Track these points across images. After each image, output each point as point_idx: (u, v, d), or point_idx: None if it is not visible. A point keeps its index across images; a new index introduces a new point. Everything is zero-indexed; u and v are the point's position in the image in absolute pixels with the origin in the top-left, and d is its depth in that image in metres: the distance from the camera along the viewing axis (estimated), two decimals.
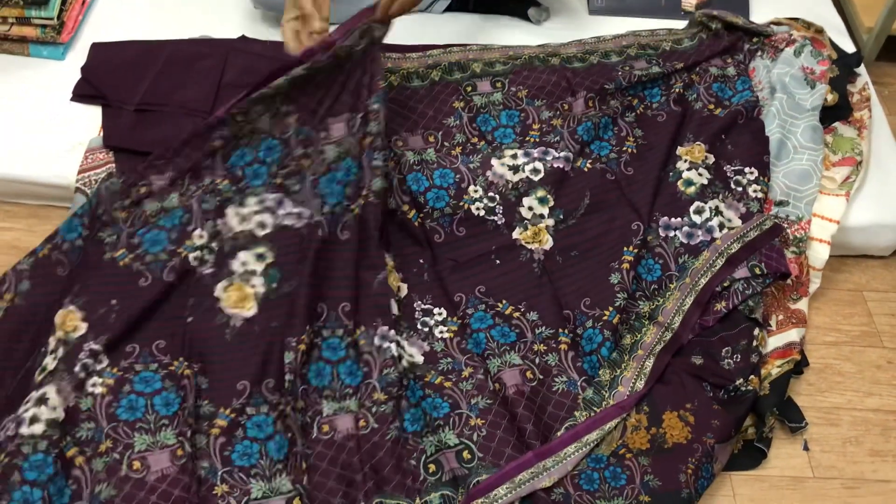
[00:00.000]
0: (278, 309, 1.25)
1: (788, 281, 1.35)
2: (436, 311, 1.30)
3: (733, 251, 1.33)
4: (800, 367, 1.31)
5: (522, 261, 1.35)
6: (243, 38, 1.61)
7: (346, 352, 1.22)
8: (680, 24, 1.71)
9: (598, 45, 1.62)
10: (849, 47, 1.69)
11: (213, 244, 1.29)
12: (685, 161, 1.45)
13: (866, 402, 1.30)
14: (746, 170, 1.43)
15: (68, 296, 1.22)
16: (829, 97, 1.52)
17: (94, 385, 1.16)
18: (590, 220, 1.40)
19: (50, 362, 1.16)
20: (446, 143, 1.46)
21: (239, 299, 1.26)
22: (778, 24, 1.67)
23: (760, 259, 1.32)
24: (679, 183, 1.42)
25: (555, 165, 1.43)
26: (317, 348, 1.22)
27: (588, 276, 1.34)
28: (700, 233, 1.37)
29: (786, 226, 1.39)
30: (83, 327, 1.20)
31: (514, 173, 1.42)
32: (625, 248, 1.35)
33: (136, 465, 1.12)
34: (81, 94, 1.51)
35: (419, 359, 1.24)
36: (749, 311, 1.29)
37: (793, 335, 1.30)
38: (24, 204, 1.47)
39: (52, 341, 1.18)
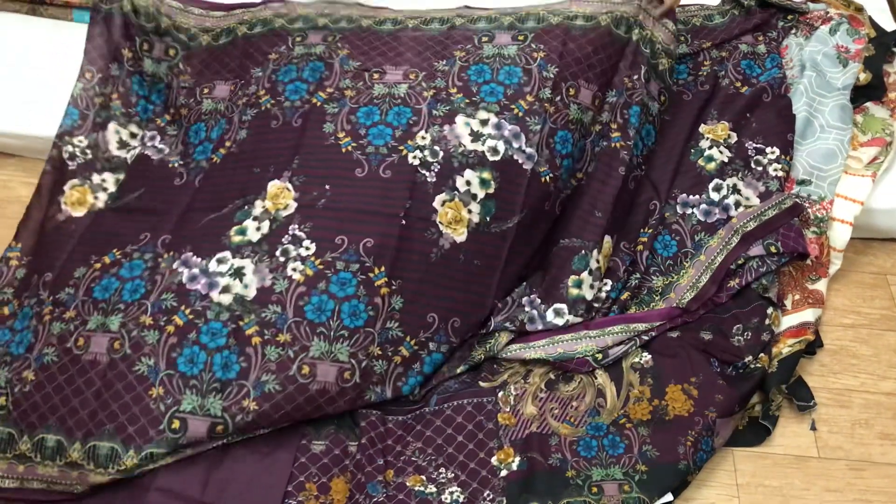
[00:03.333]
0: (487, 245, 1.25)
1: (808, 261, 1.33)
2: None
3: (749, 229, 1.32)
4: (813, 347, 1.30)
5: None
6: None
7: None
8: (714, 1, 1.69)
9: None
10: (892, 27, 1.64)
11: (438, 149, 1.24)
12: (707, 139, 1.43)
13: (880, 386, 1.28)
14: (768, 149, 1.41)
15: (287, 169, 1.21)
16: (862, 76, 1.49)
17: (293, 270, 1.16)
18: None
19: (253, 231, 1.19)
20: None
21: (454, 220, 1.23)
22: (815, 0, 1.63)
23: (777, 238, 1.30)
24: (700, 160, 1.41)
25: None
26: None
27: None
28: (717, 210, 1.36)
29: (807, 205, 1.37)
30: (293, 207, 1.20)
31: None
32: (641, 230, 1.36)
33: (306, 370, 1.12)
34: None
35: None
36: (763, 290, 1.28)
37: (808, 315, 1.29)
38: None
39: (258, 206, 1.20)
